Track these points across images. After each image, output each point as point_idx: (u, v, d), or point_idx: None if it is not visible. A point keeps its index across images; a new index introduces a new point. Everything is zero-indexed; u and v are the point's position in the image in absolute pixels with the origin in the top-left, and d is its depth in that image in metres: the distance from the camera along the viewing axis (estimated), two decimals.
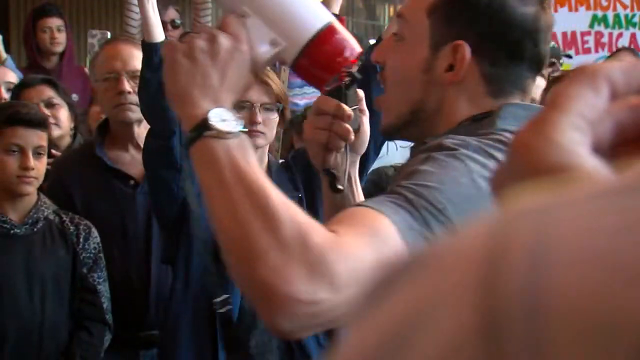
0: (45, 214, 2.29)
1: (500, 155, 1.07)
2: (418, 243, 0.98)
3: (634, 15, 4.67)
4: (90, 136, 2.95)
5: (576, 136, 0.37)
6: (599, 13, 4.65)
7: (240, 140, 1.06)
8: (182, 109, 1.11)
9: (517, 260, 0.25)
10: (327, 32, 1.11)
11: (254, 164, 1.05)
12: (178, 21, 3.84)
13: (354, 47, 1.14)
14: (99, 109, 3.07)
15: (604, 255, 0.24)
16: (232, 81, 1.10)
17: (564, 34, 4.59)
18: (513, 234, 0.26)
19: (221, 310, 1.93)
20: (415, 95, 1.21)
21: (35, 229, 2.27)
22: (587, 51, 4.59)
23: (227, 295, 1.91)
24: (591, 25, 4.64)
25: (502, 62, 1.19)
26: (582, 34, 4.62)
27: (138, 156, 2.32)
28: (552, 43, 3.92)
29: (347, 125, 1.24)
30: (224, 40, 1.10)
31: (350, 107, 1.26)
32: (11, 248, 2.23)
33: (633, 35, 4.65)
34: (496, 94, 1.18)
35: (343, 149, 1.28)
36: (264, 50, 1.10)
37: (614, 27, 4.64)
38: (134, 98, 2.29)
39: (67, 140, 2.93)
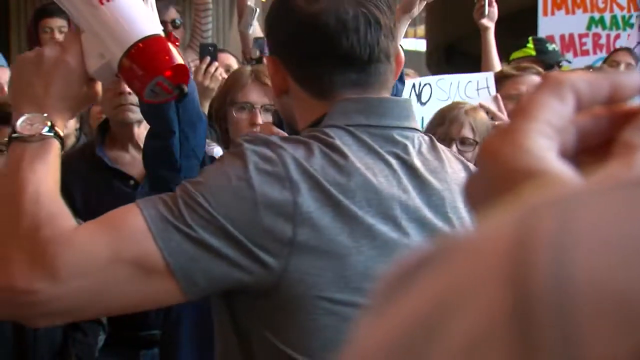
0: None
1: (298, 148, 1.10)
2: (169, 234, 1.05)
3: (630, 17, 4.68)
4: (91, 136, 2.95)
5: (544, 142, 0.37)
6: (596, 15, 4.66)
7: (41, 145, 1.14)
8: (14, 115, 1.20)
9: (543, 250, 0.25)
10: (140, 47, 1.18)
11: (40, 165, 1.12)
12: (178, 21, 3.85)
13: (170, 60, 1.19)
14: (99, 108, 3.08)
15: (629, 241, 0.24)
16: (58, 89, 1.18)
17: (562, 37, 4.60)
18: (538, 224, 0.26)
19: None
20: (281, 112, 1.28)
21: None
22: (585, 53, 4.60)
23: None
24: (588, 28, 4.64)
25: (307, 64, 1.18)
26: (580, 36, 4.63)
27: (138, 156, 2.31)
28: (553, 46, 3.95)
29: None
30: (49, 53, 1.19)
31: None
32: None
33: (630, 37, 4.66)
34: (320, 96, 1.18)
35: None
36: (93, 62, 1.20)
37: (611, 29, 4.65)
38: (134, 99, 2.28)
39: (71, 140, 2.93)
